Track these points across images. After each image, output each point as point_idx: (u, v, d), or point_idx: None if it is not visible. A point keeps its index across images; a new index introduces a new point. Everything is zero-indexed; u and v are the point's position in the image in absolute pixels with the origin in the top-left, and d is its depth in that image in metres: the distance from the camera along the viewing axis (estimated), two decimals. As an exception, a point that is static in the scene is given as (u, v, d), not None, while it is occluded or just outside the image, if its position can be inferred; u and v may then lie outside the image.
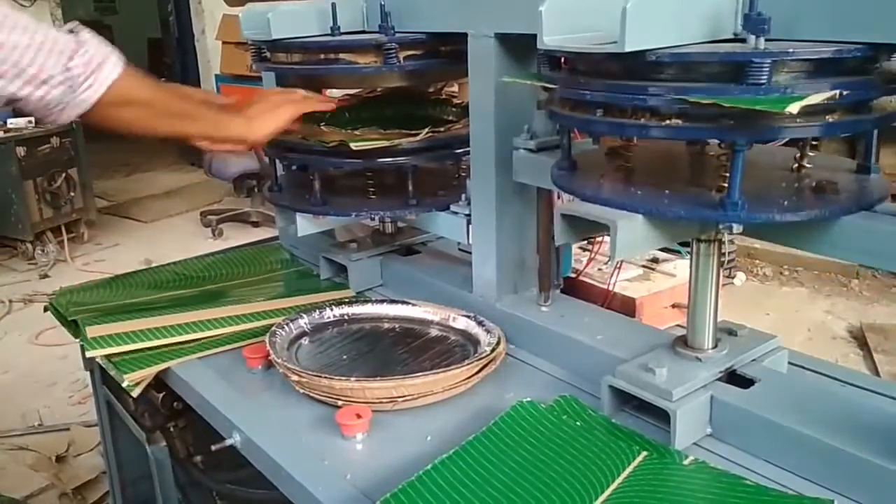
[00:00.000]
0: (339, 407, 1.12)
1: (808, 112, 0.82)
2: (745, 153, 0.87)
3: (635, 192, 0.99)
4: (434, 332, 1.37)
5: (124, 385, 1.30)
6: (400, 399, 1.13)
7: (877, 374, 3.22)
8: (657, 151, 1.18)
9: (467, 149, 1.37)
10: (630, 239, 0.95)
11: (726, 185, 0.90)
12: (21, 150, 4.75)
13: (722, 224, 0.95)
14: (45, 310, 1.64)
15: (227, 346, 1.39)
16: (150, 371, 1.33)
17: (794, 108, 0.78)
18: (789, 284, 4.29)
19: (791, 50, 0.83)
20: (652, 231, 0.97)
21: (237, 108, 1.35)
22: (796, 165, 1.04)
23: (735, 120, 0.85)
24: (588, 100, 0.95)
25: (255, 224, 5.51)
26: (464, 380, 1.17)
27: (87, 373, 1.76)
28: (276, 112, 1.35)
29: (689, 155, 1.15)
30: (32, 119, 4.91)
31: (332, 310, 1.42)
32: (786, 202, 0.92)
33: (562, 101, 1.03)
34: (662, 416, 1.03)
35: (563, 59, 1.02)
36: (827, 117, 0.86)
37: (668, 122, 0.87)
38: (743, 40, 0.87)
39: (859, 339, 3.61)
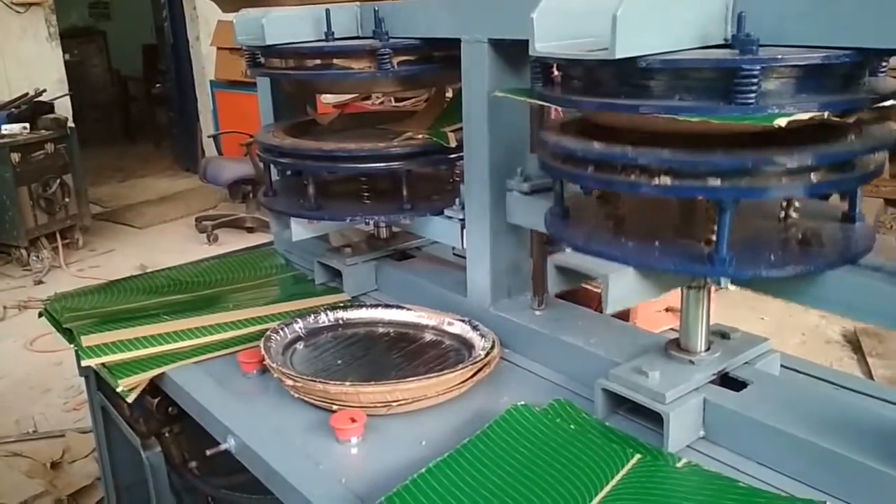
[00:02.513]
0: (333, 411, 1.13)
1: (793, 172, 0.85)
2: (732, 211, 0.89)
3: (626, 243, 1.01)
4: (428, 336, 1.38)
5: (119, 391, 1.31)
6: (394, 403, 1.13)
7: (871, 378, 3.23)
8: (647, 197, 1.19)
9: (461, 154, 1.38)
10: (622, 292, 0.98)
11: (714, 237, 0.92)
12: (16, 156, 4.74)
13: (710, 278, 0.99)
14: (40, 316, 1.64)
15: (222, 351, 1.39)
16: (145, 376, 1.33)
17: (782, 121, 0.80)
18: (783, 288, 4.29)
19: (780, 59, 0.84)
20: (643, 282, 0.99)
21: None
22: (783, 214, 1.06)
23: (722, 178, 0.86)
24: (579, 156, 0.96)
25: (250, 230, 5.51)
26: (458, 384, 1.17)
27: (82, 379, 1.76)
28: None
29: (678, 200, 1.16)
30: (27, 125, 4.91)
31: (326, 314, 1.42)
32: (772, 256, 0.94)
33: (553, 154, 1.04)
34: (656, 419, 1.03)
35: (553, 71, 1.03)
36: (812, 176, 0.88)
37: (656, 179, 0.89)
38: (733, 46, 0.88)
39: (853, 343, 3.62)
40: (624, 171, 0.92)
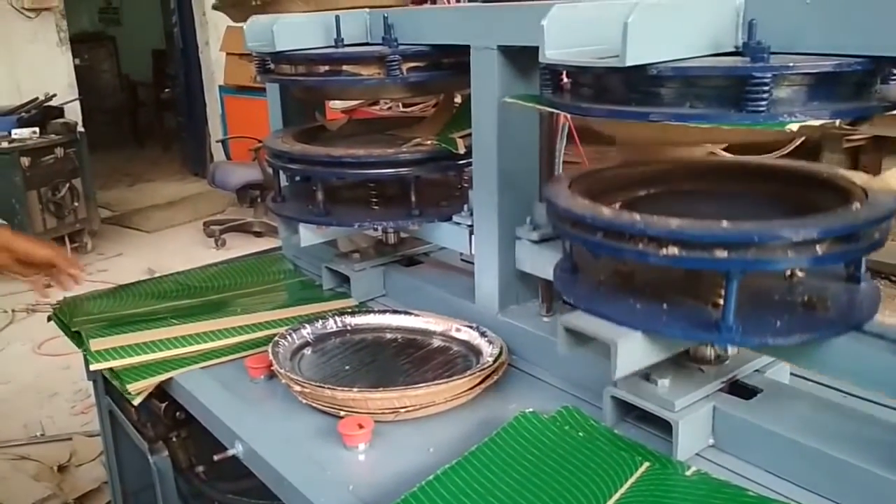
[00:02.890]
0: (341, 417, 1.13)
1: (799, 243, 0.86)
2: (738, 280, 0.90)
3: (635, 305, 1.02)
4: (436, 342, 1.38)
5: (128, 395, 1.31)
6: (402, 410, 1.13)
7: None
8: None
9: (469, 160, 1.38)
10: (630, 357, 0.99)
11: (721, 301, 0.94)
12: (25, 161, 4.77)
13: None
14: (49, 320, 1.65)
15: (230, 357, 1.39)
16: (153, 381, 1.33)
17: (793, 126, 0.80)
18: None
19: (791, 67, 0.84)
20: (650, 346, 1.01)
21: None
22: (788, 273, 1.07)
23: (729, 250, 0.87)
24: (588, 223, 0.97)
25: (258, 234, 5.53)
26: (466, 391, 1.17)
27: (89, 383, 1.77)
28: None
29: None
30: (37, 129, 4.94)
31: (334, 320, 1.42)
32: (778, 322, 0.95)
33: (562, 218, 1.04)
34: (664, 427, 1.03)
35: (563, 78, 1.03)
36: (817, 248, 0.88)
37: (665, 250, 0.90)
38: (744, 54, 0.88)
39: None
40: (632, 239, 0.93)
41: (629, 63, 0.84)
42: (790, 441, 0.96)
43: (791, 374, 1.19)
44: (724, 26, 0.93)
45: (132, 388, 1.31)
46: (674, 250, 0.90)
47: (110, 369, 1.37)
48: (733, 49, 0.94)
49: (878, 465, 0.90)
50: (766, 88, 0.83)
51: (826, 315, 0.97)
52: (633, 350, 0.99)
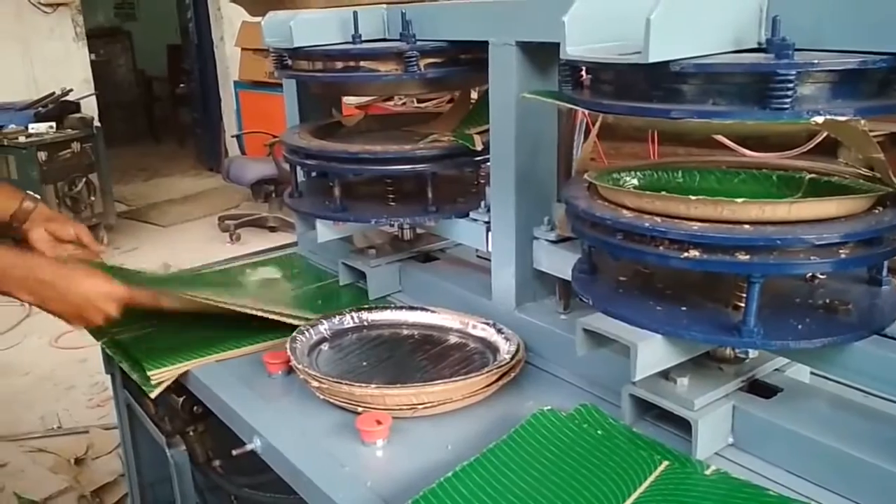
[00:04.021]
0: (359, 413, 1.13)
1: (821, 246, 0.86)
2: (760, 284, 0.90)
3: (654, 307, 1.01)
4: (453, 339, 1.38)
5: (147, 386, 1.32)
6: (420, 406, 1.13)
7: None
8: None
9: (487, 156, 1.37)
10: (650, 359, 0.99)
11: (742, 304, 0.93)
12: (42, 155, 4.81)
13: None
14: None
15: (247, 349, 1.39)
16: (175, 370, 1.33)
17: (818, 119, 0.79)
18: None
19: (816, 64, 0.83)
20: (670, 348, 1.01)
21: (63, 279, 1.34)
22: (809, 275, 1.06)
23: (751, 254, 0.87)
24: (608, 225, 0.97)
25: (273, 229, 5.54)
26: (483, 387, 1.17)
27: (106, 376, 1.78)
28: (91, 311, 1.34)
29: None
30: (53, 124, 4.98)
31: (351, 316, 1.43)
32: (800, 326, 0.95)
33: (581, 219, 1.04)
34: (684, 426, 1.02)
35: (582, 75, 1.03)
36: (840, 252, 0.88)
37: (686, 252, 0.90)
38: (767, 50, 0.87)
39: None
40: (653, 242, 0.93)
41: (652, 59, 0.84)
42: (810, 440, 0.96)
43: (811, 373, 1.17)
44: (747, 22, 0.92)
45: (153, 375, 1.31)
46: (695, 253, 0.90)
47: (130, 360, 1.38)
48: (756, 45, 0.93)
49: (900, 466, 0.89)
50: (791, 86, 0.82)
51: (848, 319, 0.97)
52: (654, 352, 0.99)
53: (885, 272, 1.04)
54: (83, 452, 2.89)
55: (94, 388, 3.37)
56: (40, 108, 5.09)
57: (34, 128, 4.89)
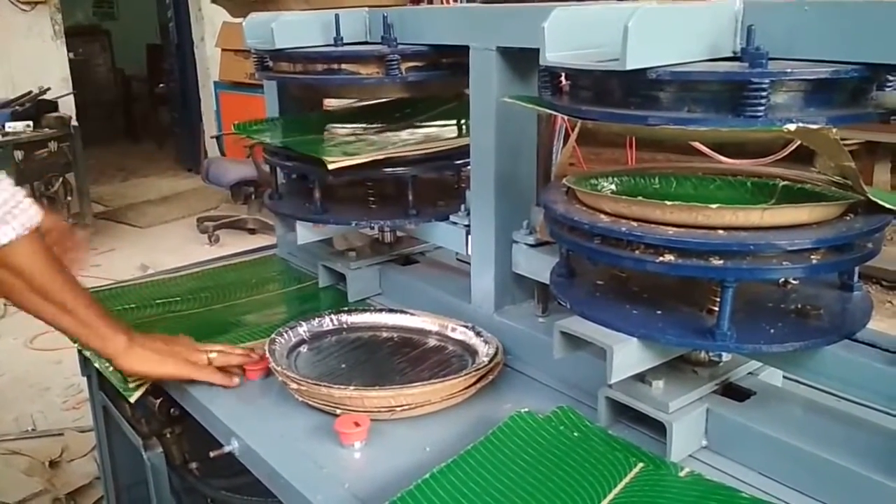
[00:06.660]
0: (337, 415, 1.13)
1: (793, 252, 0.88)
2: (733, 289, 0.91)
3: (631, 311, 1.03)
4: (432, 341, 1.38)
5: (122, 390, 1.31)
6: (398, 408, 1.14)
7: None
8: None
9: (467, 160, 1.38)
10: (625, 362, 1.00)
11: (716, 308, 0.95)
12: (19, 154, 4.76)
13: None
14: None
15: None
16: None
17: (790, 126, 0.81)
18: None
19: (789, 73, 0.85)
20: (646, 351, 1.02)
21: (124, 328, 1.27)
22: (782, 280, 1.09)
23: (724, 259, 0.89)
24: (586, 229, 0.98)
25: (252, 231, 5.52)
26: (461, 390, 1.18)
27: (82, 378, 1.76)
28: (163, 360, 1.27)
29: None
30: (30, 123, 4.92)
31: (330, 318, 1.43)
32: (772, 330, 0.97)
33: (559, 223, 1.05)
34: (659, 428, 1.03)
35: (561, 80, 1.04)
36: (812, 257, 0.90)
37: (661, 258, 0.92)
38: (742, 59, 0.88)
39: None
40: (629, 246, 0.94)
41: (629, 66, 0.85)
42: (783, 443, 0.97)
43: (784, 376, 1.19)
44: (722, 31, 0.93)
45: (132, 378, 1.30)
46: (670, 258, 0.91)
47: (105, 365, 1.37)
48: (731, 54, 0.94)
49: (869, 469, 0.90)
50: (764, 94, 0.83)
51: (819, 323, 0.99)
52: (629, 355, 1.00)
53: (856, 278, 1.06)
54: (58, 455, 2.86)
55: (69, 390, 3.34)
56: (17, 107, 5.03)
57: (11, 126, 4.83)
